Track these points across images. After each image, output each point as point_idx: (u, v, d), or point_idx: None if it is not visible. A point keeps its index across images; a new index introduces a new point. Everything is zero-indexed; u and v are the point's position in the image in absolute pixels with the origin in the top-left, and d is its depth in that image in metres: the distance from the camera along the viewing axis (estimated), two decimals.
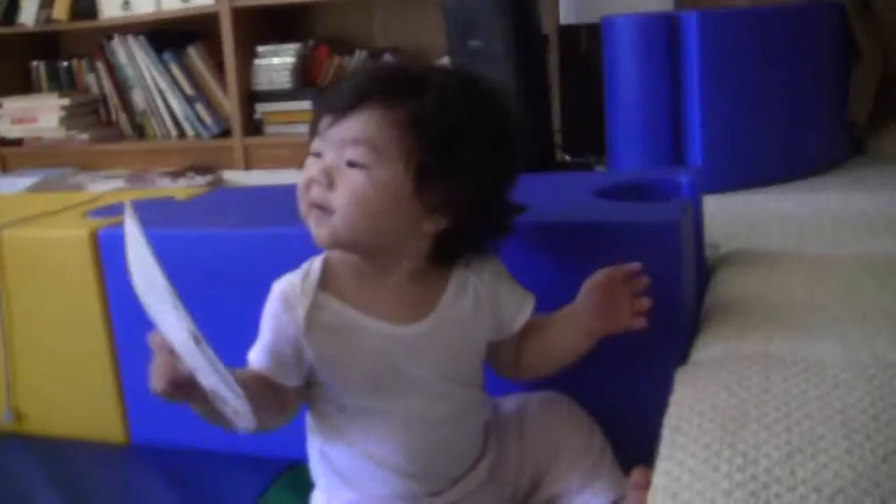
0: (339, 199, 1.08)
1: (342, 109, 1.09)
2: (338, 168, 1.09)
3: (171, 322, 0.98)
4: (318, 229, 1.11)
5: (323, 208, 1.10)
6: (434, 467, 1.20)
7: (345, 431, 1.18)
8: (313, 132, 1.14)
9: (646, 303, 1.18)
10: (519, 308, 1.23)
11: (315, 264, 1.18)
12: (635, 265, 1.19)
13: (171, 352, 1.00)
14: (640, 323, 1.18)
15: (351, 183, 1.08)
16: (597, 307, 1.19)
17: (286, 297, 1.15)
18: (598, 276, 1.19)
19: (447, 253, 1.18)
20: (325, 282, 1.16)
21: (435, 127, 1.08)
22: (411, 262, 1.16)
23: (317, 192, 1.10)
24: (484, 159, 1.11)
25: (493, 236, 1.21)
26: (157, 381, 1.01)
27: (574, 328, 1.21)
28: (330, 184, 1.09)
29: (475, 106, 1.13)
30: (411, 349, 1.15)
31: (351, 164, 1.08)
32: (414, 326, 1.15)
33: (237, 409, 1.02)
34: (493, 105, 1.16)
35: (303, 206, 1.13)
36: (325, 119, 1.11)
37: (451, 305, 1.18)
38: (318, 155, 1.12)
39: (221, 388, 1.00)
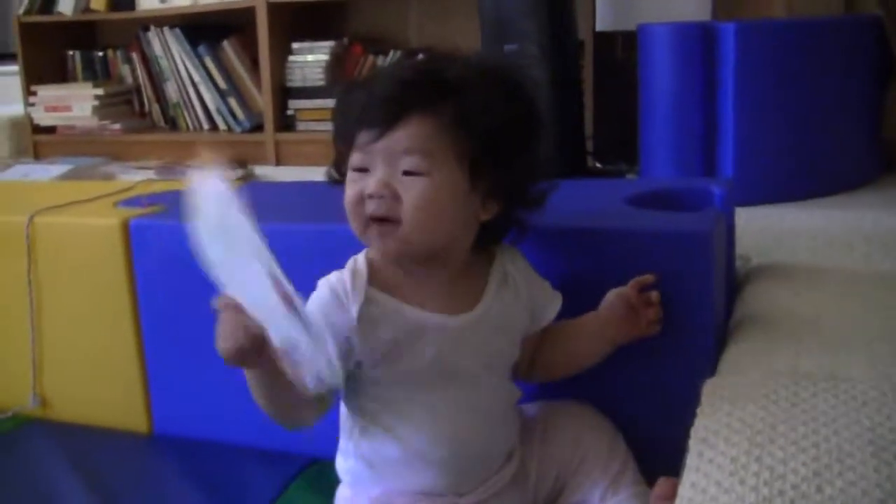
0: (407, 208, 1.09)
1: (386, 123, 1.09)
2: (396, 179, 1.09)
3: (249, 276, 0.98)
4: (385, 241, 1.12)
5: (388, 221, 1.10)
6: (468, 463, 1.20)
7: (385, 424, 1.19)
8: (345, 142, 1.15)
9: (658, 311, 1.24)
10: (549, 302, 1.26)
11: (360, 262, 1.18)
12: (648, 277, 1.25)
13: (241, 310, 1.00)
14: (654, 329, 1.24)
15: (414, 191, 1.09)
16: (619, 318, 1.23)
17: (337, 294, 1.16)
18: (622, 290, 1.24)
19: (490, 238, 1.21)
20: (372, 278, 1.17)
21: (479, 121, 1.10)
22: (460, 254, 1.18)
23: (378, 206, 1.10)
24: (522, 139, 1.16)
25: (531, 212, 1.23)
26: (226, 342, 1.02)
27: (595, 334, 1.25)
28: (394, 196, 1.09)
29: (508, 93, 1.15)
30: (461, 340, 1.17)
31: (408, 174, 1.09)
32: (463, 317, 1.17)
33: (316, 360, 1.00)
34: (522, 91, 1.18)
35: (357, 223, 1.13)
36: (365, 134, 1.11)
37: (495, 296, 1.20)
38: (363, 170, 1.12)
39: (303, 339, 0.99)
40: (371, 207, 1.10)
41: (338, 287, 1.16)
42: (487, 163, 1.12)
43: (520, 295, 1.22)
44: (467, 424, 1.18)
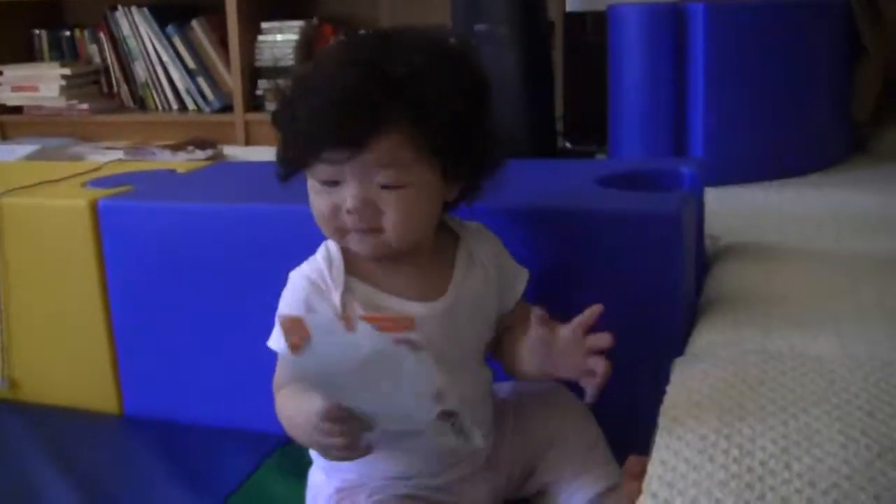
0: (390, 219, 1.10)
1: (354, 146, 1.07)
2: (373, 192, 1.09)
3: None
4: (364, 245, 1.13)
5: (371, 231, 1.11)
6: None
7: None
8: (301, 150, 1.12)
9: (595, 363, 1.08)
10: (516, 278, 1.25)
11: (333, 249, 1.18)
12: (591, 319, 1.10)
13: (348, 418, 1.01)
14: (600, 367, 1.08)
15: (395, 203, 1.09)
16: (534, 361, 1.15)
17: (316, 283, 1.16)
18: (538, 331, 1.12)
19: (448, 208, 1.21)
20: (347, 266, 1.17)
21: (437, 117, 1.09)
22: (430, 240, 1.19)
23: (359, 221, 1.10)
24: (478, 117, 1.15)
25: (489, 173, 1.20)
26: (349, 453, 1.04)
27: (521, 362, 1.18)
28: (374, 211, 1.10)
29: (458, 74, 1.13)
30: (440, 324, 1.16)
31: (386, 187, 1.09)
32: (440, 301, 1.17)
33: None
34: (467, 63, 1.16)
35: (332, 232, 1.14)
36: (333, 152, 1.08)
37: (464, 277, 1.19)
38: (333, 183, 1.11)
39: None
40: (351, 221, 1.10)
41: (315, 276, 1.16)
42: (450, 150, 1.11)
43: (487, 273, 1.22)
44: None
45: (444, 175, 1.13)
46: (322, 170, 1.11)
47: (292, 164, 1.16)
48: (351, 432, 1.01)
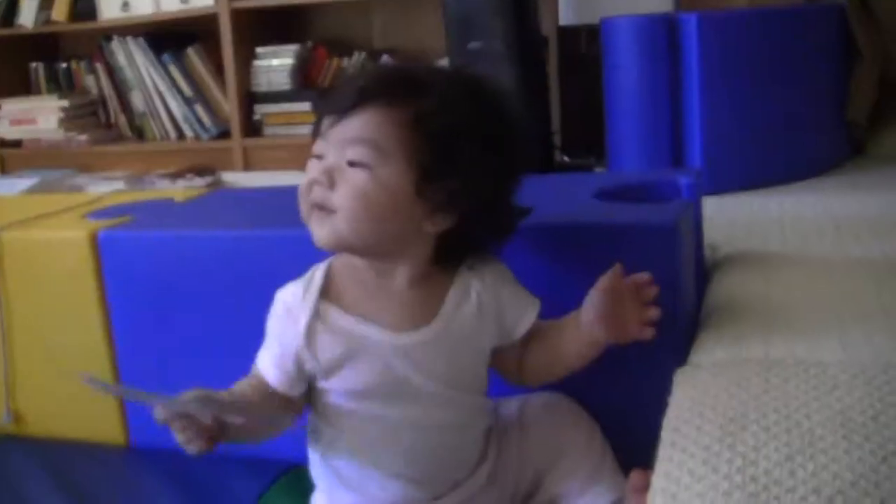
0: (341, 198, 1.08)
1: (343, 110, 1.09)
2: (339, 168, 1.08)
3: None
4: (319, 230, 1.11)
5: (324, 209, 1.09)
6: (436, 473, 1.20)
7: (347, 436, 1.18)
8: (316, 134, 1.14)
9: (654, 312, 1.14)
10: (522, 314, 1.21)
11: (317, 273, 1.18)
12: (645, 275, 1.15)
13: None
14: (648, 333, 1.15)
15: (352, 182, 1.07)
16: (602, 317, 1.14)
17: (288, 307, 1.16)
18: (603, 283, 1.14)
19: (449, 255, 1.17)
20: (327, 290, 1.16)
21: (437, 126, 1.08)
22: (413, 266, 1.15)
23: (318, 193, 1.09)
24: (485, 159, 1.11)
25: (495, 238, 1.20)
26: (198, 447, 1.09)
27: (579, 337, 1.17)
28: (331, 184, 1.08)
29: (477, 106, 1.13)
30: (413, 358, 1.14)
31: (352, 164, 1.08)
32: (416, 334, 1.14)
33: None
34: (494, 105, 1.15)
35: (304, 208, 1.12)
36: (326, 120, 1.11)
37: (454, 311, 1.16)
38: (319, 157, 1.11)
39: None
40: (314, 193, 1.10)
41: (289, 300, 1.17)
42: (439, 170, 1.08)
43: (484, 310, 1.18)
44: (427, 439, 1.17)
45: (420, 188, 1.09)
46: (316, 145, 1.12)
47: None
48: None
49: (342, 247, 1.12)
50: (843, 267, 1.51)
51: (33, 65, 3.98)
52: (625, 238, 1.29)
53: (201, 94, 3.65)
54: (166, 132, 3.74)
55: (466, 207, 1.12)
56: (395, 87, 1.10)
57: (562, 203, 1.46)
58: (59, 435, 1.72)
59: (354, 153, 1.08)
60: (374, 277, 1.15)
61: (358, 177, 1.07)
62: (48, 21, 3.82)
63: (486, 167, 1.11)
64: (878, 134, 2.62)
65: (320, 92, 1.11)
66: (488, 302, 1.18)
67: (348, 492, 1.20)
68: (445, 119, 1.08)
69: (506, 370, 1.26)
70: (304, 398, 1.19)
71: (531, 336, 1.22)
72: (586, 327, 1.15)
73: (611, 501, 1.19)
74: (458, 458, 1.22)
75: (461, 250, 1.18)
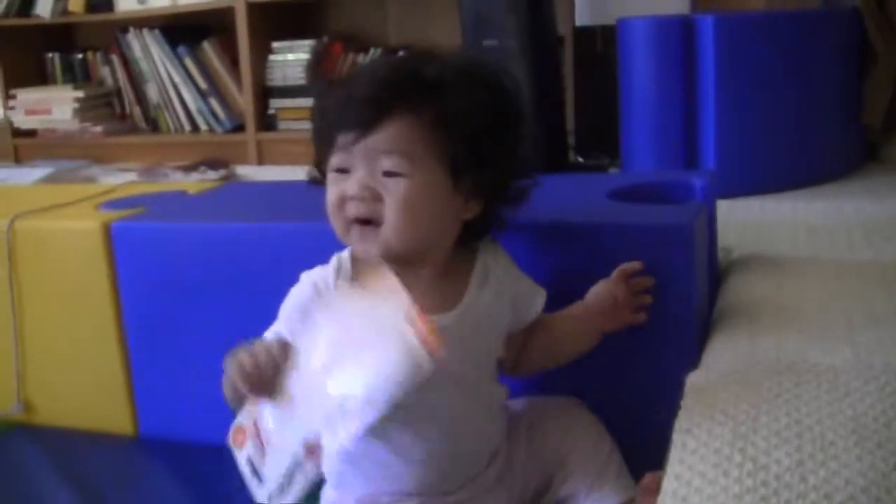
0: (388, 210, 1.09)
1: (365, 124, 1.09)
2: (376, 180, 1.09)
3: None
4: (366, 244, 1.12)
5: (370, 222, 1.10)
6: (453, 462, 1.20)
7: None
8: (324, 142, 1.14)
9: (646, 298, 1.25)
10: (532, 300, 1.25)
11: (344, 258, 1.19)
12: (636, 264, 1.25)
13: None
14: (641, 318, 1.25)
15: (396, 192, 1.08)
16: (607, 308, 1.23)
17: (318, 288, 1.17)
18: (613, 278, 1.24)
19: (473, 236, 1.20)
20: (355, 275, 1.17)
21: (461, 122, 1.09)
22: (441, 253, 1.18)
23: (359, 208, 1.10)
24: (503, 137, 1.14)
25: (514, 208, 1.22)
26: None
27: (582, 325, 1.25)
28: (375, 197, 1.09)
29: (488, 91, 1.15)
30: (448, 338, 1.15)
31: (389, 175, 1.08)
32: (443, 317, 1.15)
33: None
34: (500, 85, 1.17)
35: (339, 225, 1.13)
36: (344, 135, 1.11)
37: (477, 295, 1.19)
38: (343, 171, 1.11)
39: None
40: (352, 209, 1.10)
41: (319, 282, 1.17)
42: (469, 162, 1.11)
43: (502, 292, 1.21)
44: (451, 423, 1.18)
45: (455, 183, 1.12)
46: (336, 158, 1.12)
47: (317, 158, 1.17)
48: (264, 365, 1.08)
49: (392, 256, 1.12)
50: (855, 271, 1.50)
51: (49, 55, 3.99)
52: (639, 239, 1.29)
53: (216, 88, 3.65)
54: (181, 125, 3.74)
55: (493, 187, 1.16)
56: (413, 92, 1.10)
57: (576, 203, 1.46)
58: (69, 424, 1.73)
59: (390, 164, 1.08)
60: (401, 267, 1.15)
61: (399, 186, 1.09)
62: (65, 12, 3.83)
63: (506, 146, 1.15)
64: (893, 138, 2.61)
65: (321, 98, 1.09)
66: (505, 286, 1.21)
67: (362, 485, 1.20)
68: (467, 114, 1.10)
69: (503, 358, 1.27)
70: None
71: (534, 325, 1.26)
72: (591, 317, 1.24)
73: (619, 502, 1.19)
74: (477, 449, 1.22)
75: (483, 229, 1.21)
